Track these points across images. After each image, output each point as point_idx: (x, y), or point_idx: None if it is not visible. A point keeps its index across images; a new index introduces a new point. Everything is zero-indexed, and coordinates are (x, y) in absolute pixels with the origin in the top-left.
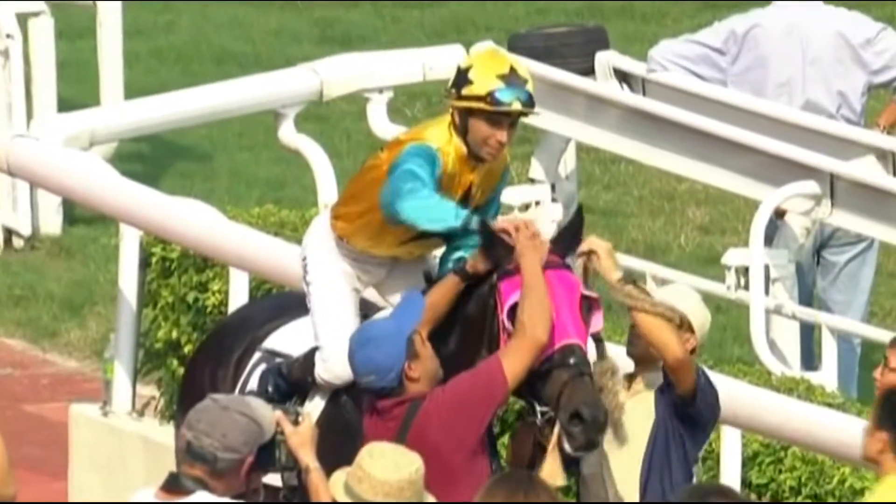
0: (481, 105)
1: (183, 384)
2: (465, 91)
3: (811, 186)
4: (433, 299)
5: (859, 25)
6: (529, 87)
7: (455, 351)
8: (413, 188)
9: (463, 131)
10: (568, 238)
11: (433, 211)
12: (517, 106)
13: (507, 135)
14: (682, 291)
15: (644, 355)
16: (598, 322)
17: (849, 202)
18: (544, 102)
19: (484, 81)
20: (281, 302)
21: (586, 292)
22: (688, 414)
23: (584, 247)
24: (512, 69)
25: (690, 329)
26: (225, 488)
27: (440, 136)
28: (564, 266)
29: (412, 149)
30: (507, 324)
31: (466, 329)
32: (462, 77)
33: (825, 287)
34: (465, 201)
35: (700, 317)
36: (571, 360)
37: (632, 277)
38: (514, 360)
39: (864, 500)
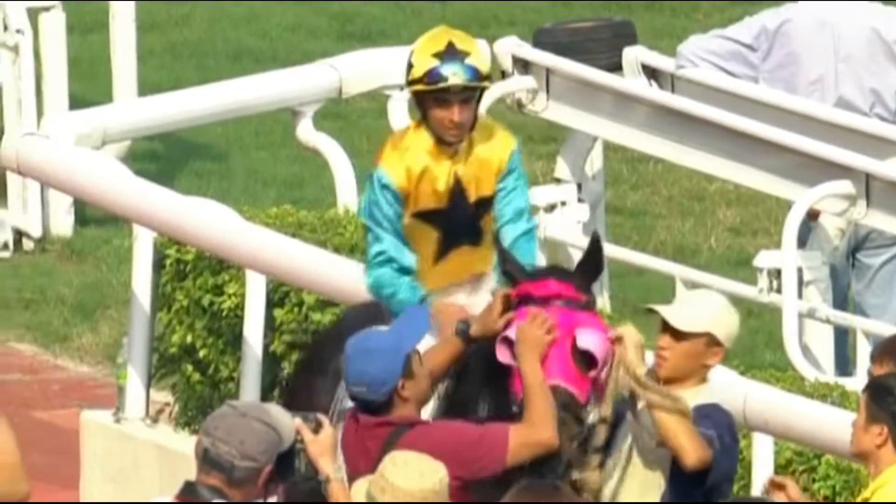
0: (422, 87)
1: (285, 397)
2: (409, 77)
3: (846, 186)
4: (430, 360)
5: (894, 22)
6: (473, 59)
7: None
8: (374, 252)
9: (424, 119)
10: (589, 270)
11: (389, 289)
12: (455, 80)
13: (460, 112)
14: (707, 299)
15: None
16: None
17: (885, 203)
18: (570, 99)
19: (421, 63)
20: (377, 310)
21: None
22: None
23: (616, 332)
24: (450, 44)
25: (717, 343)
26: (242, 498)
27: (392, 148)
28: (575, 302)
29: (367, 185)
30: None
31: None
32: (407, 64)
33: (860, 290)
34: (459, 195)
35: (726, 328)
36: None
37: (655, 374)
38: (519, 447)
39: (877, 499)
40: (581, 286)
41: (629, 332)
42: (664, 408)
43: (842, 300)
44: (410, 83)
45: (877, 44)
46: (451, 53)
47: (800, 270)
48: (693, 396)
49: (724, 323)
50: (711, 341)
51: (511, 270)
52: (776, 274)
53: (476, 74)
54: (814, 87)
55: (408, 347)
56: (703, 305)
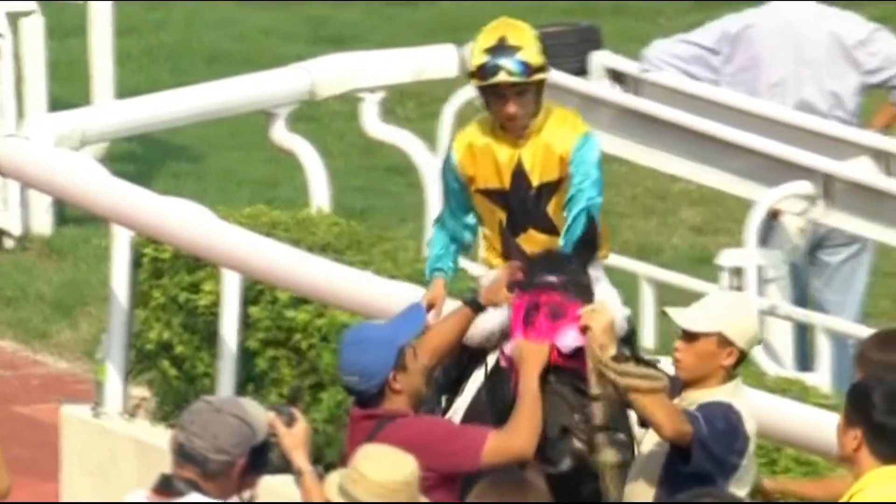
0: (477, 81)
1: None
2: (469, 70)
3: (806, 187)
4: (441, 328)
5: (853, 26)
6: (524, 54)
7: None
8: (437, 215)
9: (487, 107)
10: (585, 251)
11: (435, 249)
12: (502, 77)
13: (515, 105)
14: (718, 300)
15: (691, 378)
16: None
17: (844, 202)
18: None
19: (476, 58)
20: None
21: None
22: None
23: (583, 319)
24: (501, 39)
25: (729, 342)
26: (217, 490)
27: (467, 126)
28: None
29: None
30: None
31: None
32: (469, 57)
33: (820, 288)
34: (521, 178)
35: (738, 328)
36: None
37: (624, 355)
38: (495, 452)
39: (856, 500)
40: (570, 284)
41: (597, 316)
42: (636, 389)
43: (802, 297)
44: (470, 76)
45: (836, 47)
46: (501, 48)
47: (761, 268)
48: (710, 396)
49: (735, 323)
50: (723, 341)
51: (510, 255)
52: (738, 272)
53: (526, 69)
54: (775, 89)
55: (401, 340)
56: (714, 306)
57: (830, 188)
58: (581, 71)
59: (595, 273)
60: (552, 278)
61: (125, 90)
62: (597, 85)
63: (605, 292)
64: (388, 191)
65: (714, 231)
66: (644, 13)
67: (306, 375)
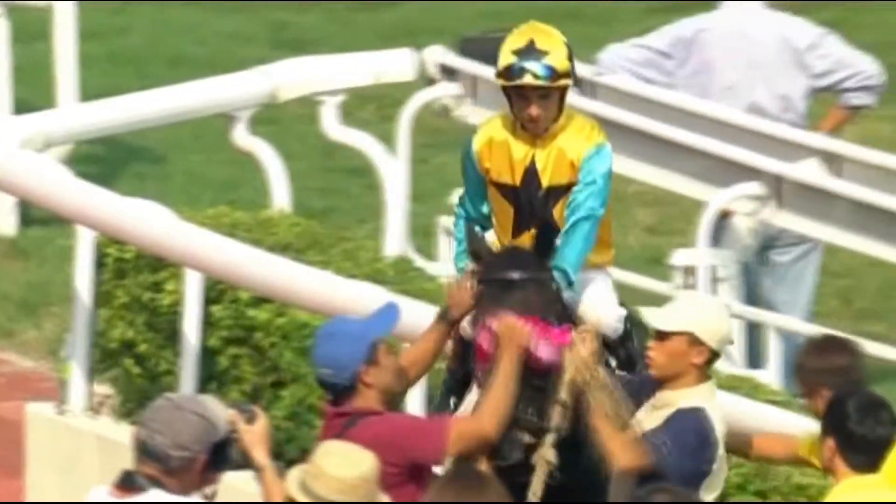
0: (503, 81)
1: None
2: (496, 70)
3: (757, 188)
4: (419, 342)
5: (803, 31)
6: (551, 58)
7: None
8: (459, 197)
9: (510, 106)
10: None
11: (457, 232)
12: (528, 79)
13: (538, 108)
14: (689, 300)
15: (664, 376)
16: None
17: (794, 203)
18: (495, 106)
19: (504, 58)
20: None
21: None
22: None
23: (573, 337)
24: (531, 42)
25: (699, 342)
26: (179, 486)
27: (491, 118)
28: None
29: None
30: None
31: None
32: (497, 56)
33: (770, 287)
34: (532, 177)
35: (708, 327)
36: None
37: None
38: (460, 438)
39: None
40: (531, 282)
41: (581, 341)
42: (600, 415)
43: (753, 296)
44: (497, 76)
45: (787, 52)
46: (529, 51)
47: (713, 268)
48: (684, 397)
49: (705, 322)
50: (693, 340)
51: (477, 250)
52: (691, 271)
53: (552, 73)
54: (727, 93)
55: (374, 335)
56: (685, 306)
57: (780, 189)
58: None
59: (592, 275)
60: (515, 274)
61: (89, 93)
62: None
63: (599, 292)
64: (348, 192)
65: (668, 231)
66: (599, 18)
67: (267, 373)
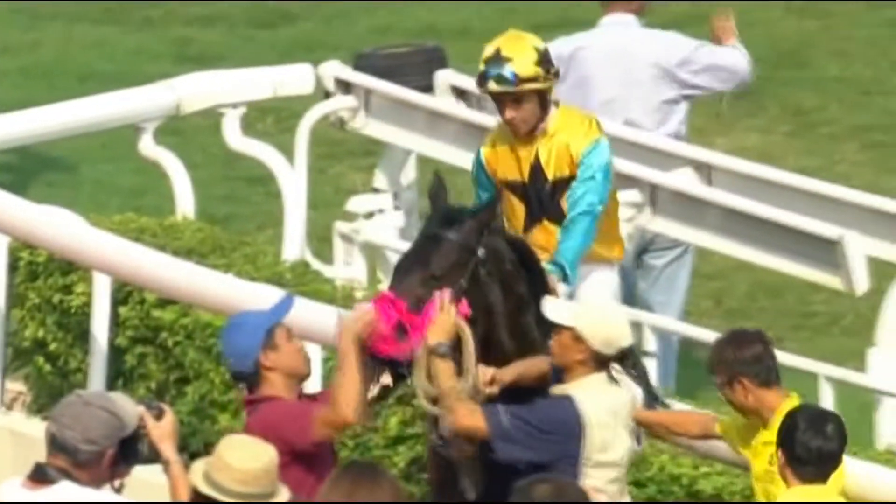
0: (479, 89)
1: None
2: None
3: (634, 195)
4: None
5: (676, 47)
6: (514, 65)
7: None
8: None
9: None
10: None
11: None
12: (492, 85)
13: (512, 111)
14: (587, 301)
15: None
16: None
17: (668, 210)
18: (387, 117)
19: (480, 67)
20: None
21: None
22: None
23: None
24: (497, 50)
25: (580, 339)
26: (88, 478)
27: (499, 124)
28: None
29: None
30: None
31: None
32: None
33: (646, 288)
34: (538, 172)
35: (592, 328)
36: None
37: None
38: (322, 424)
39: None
40: (460, 243)
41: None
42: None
43: (630, 298)
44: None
45: (661, 69)
46: (495, 59)
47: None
48: (575, 389)
49: (590, 323)
50: (576, 337)
51: (434, 199)
52: None
53: (515, 79)
54: (605, 107)
55: (270, 322)
56: (578, 303)
57: (656, 197)
58: (427, 88)
59: (599, 269)
60: (451, 234)
61: (2, 106)
62: (442, 101)
63: (599, 294)
64: (249, 199)
65: None
66: (486, 36)
67: (172, 371)
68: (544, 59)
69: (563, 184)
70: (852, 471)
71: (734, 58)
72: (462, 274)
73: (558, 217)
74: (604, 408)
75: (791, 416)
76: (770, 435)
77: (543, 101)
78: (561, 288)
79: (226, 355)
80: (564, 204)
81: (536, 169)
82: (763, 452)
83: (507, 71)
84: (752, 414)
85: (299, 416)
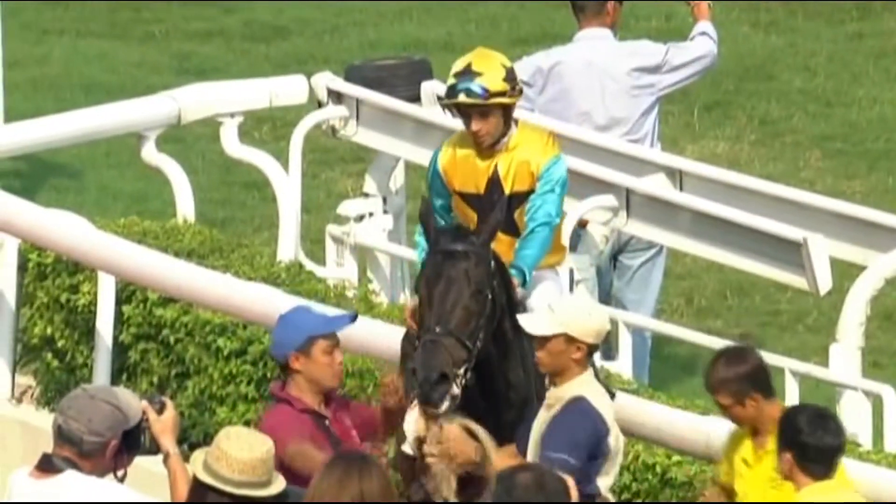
0: (446, 101)
1: None
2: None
3: (609, 200)
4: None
5: (647, 54)
6: (483, 79)
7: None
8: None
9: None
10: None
11: (417, 236)
12: (462, 98)
13: (478, 123)
14: (559, 305)
15: (552, 373)
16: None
17: (642, 213)
18: (377, 126)
19: (449, 80)
20: None
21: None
22: None
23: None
24: (468, 65)
25: (574, 340)
26: (92, 468)
27: (455, 135)
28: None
29: None
30: None
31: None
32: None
33: (620, 287)
34: (496, 185)
35: (579, 326)
36: None
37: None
38: (294, 456)
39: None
40: (472, 254)
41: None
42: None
43: (606, 296)
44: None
45: (635, 79)
46: (465, 74)
47: (571, 271)
48: (569, 390)
49: (576, 322)
50: (569, 339)
51: (427, 222)
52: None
53: (485, 92)
54: (583, 117)
55: (314, 329)
56: (556, 310)
57: (630, 201)
58: (414, 98)
59: (544, 275)
60: (458, 246)
61: (13, 116)
62: (428, 110)
63: (548, 293)
64: (246, 203)
65: None
66: (470, 49)
67: (173, 366)
68: (511, 76)
69: (519, 198)
70: None
71: (703, 48)
72: (488, 283)
73: (511, 228)
74: (606, 404)
75: (790, 420)
76: (773, 443)
77: (508, 115)
78: (519, 291)
79: (272, 337)
80: (518, 216)
81: (494, 182)
82: (765, 459)
83: (477, 85)
84: (749, 424)
85: (280, 433)
